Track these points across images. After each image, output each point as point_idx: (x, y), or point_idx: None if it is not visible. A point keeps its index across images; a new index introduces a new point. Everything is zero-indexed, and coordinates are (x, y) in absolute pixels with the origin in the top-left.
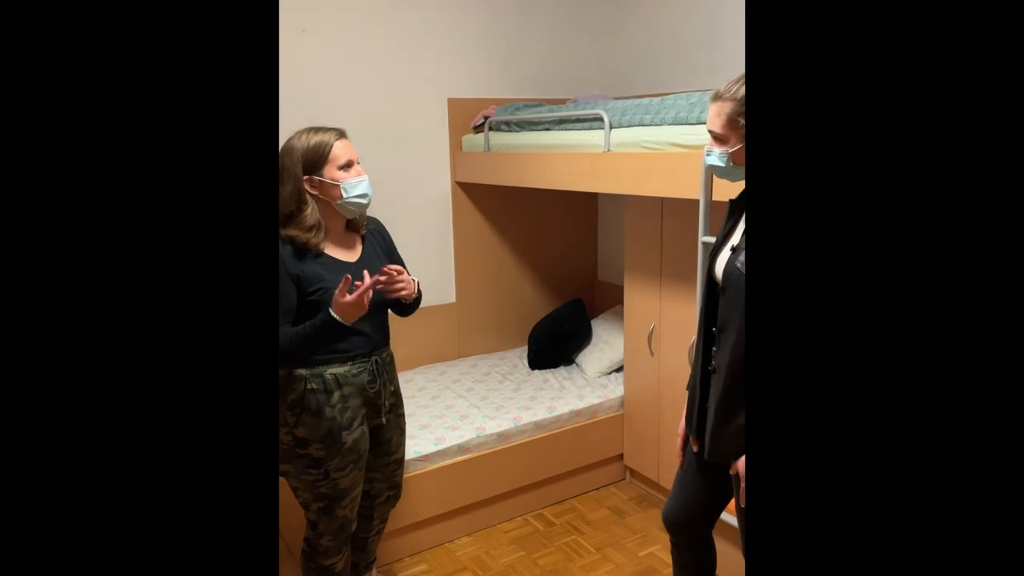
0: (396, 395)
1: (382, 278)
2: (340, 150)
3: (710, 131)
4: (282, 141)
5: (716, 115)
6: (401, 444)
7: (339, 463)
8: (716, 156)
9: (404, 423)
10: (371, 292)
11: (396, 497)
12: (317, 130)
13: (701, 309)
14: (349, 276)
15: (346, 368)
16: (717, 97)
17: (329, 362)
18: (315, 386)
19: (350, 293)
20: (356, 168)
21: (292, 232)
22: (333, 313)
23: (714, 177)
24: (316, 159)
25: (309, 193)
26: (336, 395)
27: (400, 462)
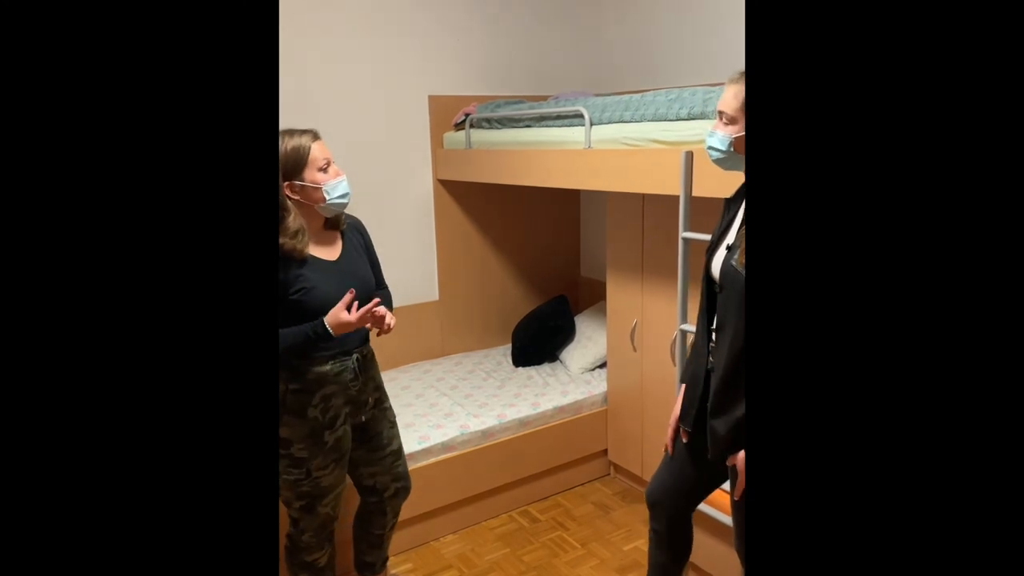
0: (379, 390)
1: (377, 310)
2: (317, 152)
3: (721, 111)
4: None
5: (733, 96)
6: (394, 436)
7: (321, 462)
8: (719, 138)
9: (392, 415)
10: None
11: (406, 489)
12: (292, 133)
13: (701, 306)
14: (353, 291)
15: (328, 367)
16: (738, 80)
17: (310, 361)
18: (297, 387)
19: (349, 309)
20: (333, 168)
21: (279, 240)
22: (328, 325)
23: (694, 174)
24: (295, 164)
25: (290, 199)
26: (318, 395)
27: (398, 453)
